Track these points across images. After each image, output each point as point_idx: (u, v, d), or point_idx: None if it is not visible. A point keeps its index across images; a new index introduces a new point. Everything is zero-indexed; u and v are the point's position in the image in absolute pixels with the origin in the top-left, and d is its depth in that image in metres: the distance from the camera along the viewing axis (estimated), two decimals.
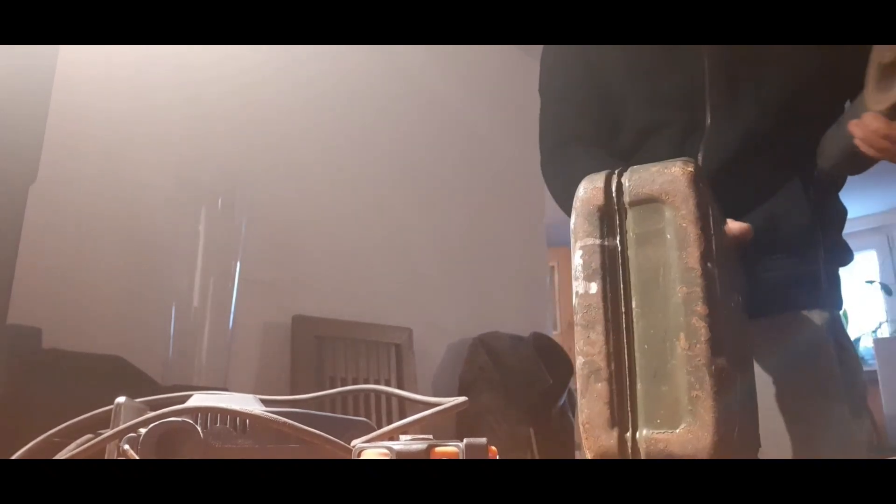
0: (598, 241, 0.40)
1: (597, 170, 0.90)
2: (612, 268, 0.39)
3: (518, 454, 2.06)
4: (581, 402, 0.38)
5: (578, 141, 0.96)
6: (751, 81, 0.85)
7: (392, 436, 0.44)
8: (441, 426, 1.87)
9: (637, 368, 0.37)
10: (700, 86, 0.86)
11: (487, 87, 2.73)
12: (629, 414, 0.37)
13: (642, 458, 0.36)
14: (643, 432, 0.36)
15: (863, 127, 0.71)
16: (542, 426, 2.17)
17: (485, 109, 2.69)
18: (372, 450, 0.38)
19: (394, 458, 0.37)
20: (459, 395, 0.50)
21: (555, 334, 2.91)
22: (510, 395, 2.15)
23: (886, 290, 4.29)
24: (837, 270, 0.93)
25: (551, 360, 2.32)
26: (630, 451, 0.36)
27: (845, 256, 0.93)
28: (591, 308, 0.39)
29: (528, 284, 2.73)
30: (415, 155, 2.36)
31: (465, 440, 0.37)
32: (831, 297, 0.89)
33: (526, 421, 2.12)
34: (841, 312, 0.92)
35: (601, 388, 0.37)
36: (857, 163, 0.80)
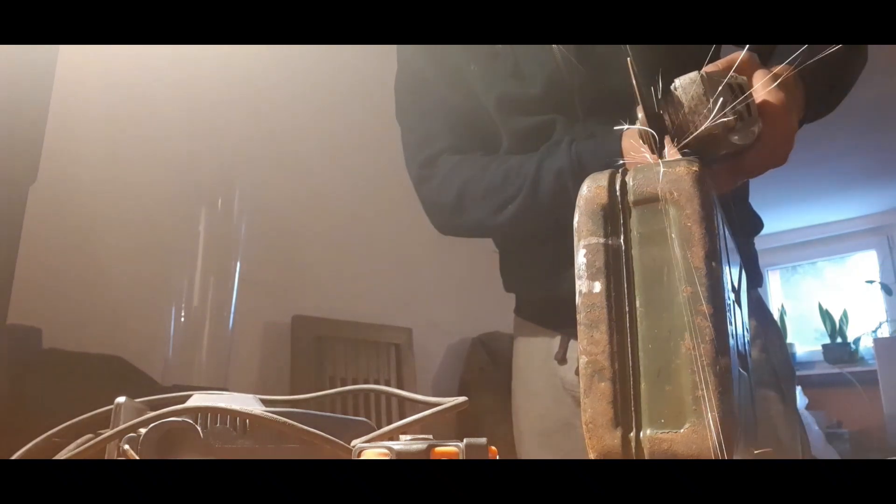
0: (601, 240, 0.39)
1: (478, 170, 0.88)
2: (615, 267, 0.39)
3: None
4: (584, 402, 0.38)
5: (452, 151, 0.92)
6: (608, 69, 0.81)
7: (392, 436, 0.44)
8: (441, 426, 1.87)
9: (641, 368, 0.37)
10: (564, 80, 0.83)
11: None
12: (633, 413, 0.37)
13: (646, 457, 0.36)
14: (647, 432, 0.36)
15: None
16: None
17: None
18: (372, 450, 0.38)
19: (394, 458, 0.37)
20: (459, 395, 0.50)
21: None
22: (510, 395, 2.15)
23: (886, 290, 4.28)
24: (753, 243, 0.90)
25: None
26: (634, 450, 0.36)
27: (756, 225, 0.90)
28: (594, 307, 0.39)
29: None
30: None
31: (465, 440, 0.37)
32: (749, 273, 0.85)
33: None
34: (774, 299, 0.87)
35: (605, 387, 0.37)
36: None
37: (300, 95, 2.06)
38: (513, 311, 1.04)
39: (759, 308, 0.88)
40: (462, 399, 0.48)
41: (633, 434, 0.36)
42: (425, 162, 0.93)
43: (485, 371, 2.26)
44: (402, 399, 1.10)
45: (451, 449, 0.37)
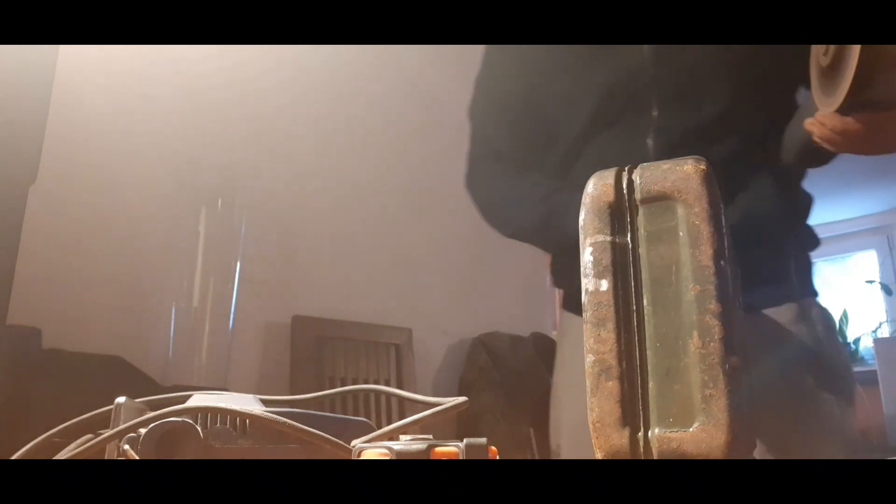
0: (608, 238, 0.39)
1: (514, 190, 0.97)
2: (623, 265, 0.39)
3: (518, 454, 2.05)
4: (591, 401, 0.37)
5: (501, 159, 1.00)
6: (696, 74, 0.85)
7: (392, 436, 0.44)
8: (441, 426, 1.87)
9: (649, 367, 0.37)
10: (642, 83, 0.86)
11: None
12: (641, 413, 0.37)
13: (654, 457, 0.36)
14: (655, 431, 0.36)
15: (818, 126, 0.74)
16: (543, 426, 2.16)
17: None
18: (372, 450, 0.38)
19: (394, 458, 0.37)
20: (459, 395, 0.50)
21: (555, 334, 2.91)
22: (510, 395, 2.15)
23: (886, 290, 4.28)
24: (809, 259, 0.94)
25: (551, 360, 2.31)
26: (642, 450, 0.36)
27: (813, 243, 0.94)
28: (601, 305, 0.38)
29: (528, 284, 2.73)
30: (415, 155, 2.36)
31: (465, 440, 0.37)
32: (803, 288, 0.89)
33: (526, 421, 2.12)
34: (833, 307, 0.93)
35: (612, 386, 0.37)
36: (819, 157, 0.82)
37: (301, 96, 2.06)
38: (560, 305, 1.11)
39: (816, 318, 0.89)
40: (462, 399, 0.48)
41: (641, 434, 0.36)
42: (477, 161, 1.03)
43: (485, 371, 2.26)
44: (402, 399, 1.10)
45: (451, 449, 0.37)
